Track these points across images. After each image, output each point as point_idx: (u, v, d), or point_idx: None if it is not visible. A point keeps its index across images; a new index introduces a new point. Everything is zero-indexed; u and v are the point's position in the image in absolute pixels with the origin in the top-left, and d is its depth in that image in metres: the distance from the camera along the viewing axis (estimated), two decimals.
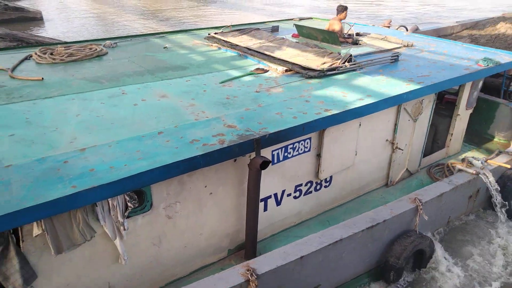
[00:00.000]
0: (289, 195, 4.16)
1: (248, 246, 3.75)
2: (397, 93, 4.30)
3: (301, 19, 8.78)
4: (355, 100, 4.06)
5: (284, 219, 4.24)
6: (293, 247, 3.48)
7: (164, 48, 6.25)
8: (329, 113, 3.73)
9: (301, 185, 4.21)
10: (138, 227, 3.16)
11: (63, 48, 5.61)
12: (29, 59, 5.43)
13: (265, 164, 3.30)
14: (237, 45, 6.05)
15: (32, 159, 2.85)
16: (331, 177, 4.43)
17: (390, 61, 5.41)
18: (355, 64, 5.04)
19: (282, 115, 3.68)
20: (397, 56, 5.48)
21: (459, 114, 5.57)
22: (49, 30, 17.98)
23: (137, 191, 2.99)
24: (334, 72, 4.85)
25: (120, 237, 3.01)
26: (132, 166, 2.78)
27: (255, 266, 3.15)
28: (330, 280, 3.86)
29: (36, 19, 20.09)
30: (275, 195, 4.02)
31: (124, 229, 2.98)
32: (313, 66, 4.85)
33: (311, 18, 9.06)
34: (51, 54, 5.47)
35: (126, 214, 2.95)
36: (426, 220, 4.26)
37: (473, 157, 5.18)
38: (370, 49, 5.97)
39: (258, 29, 6.87)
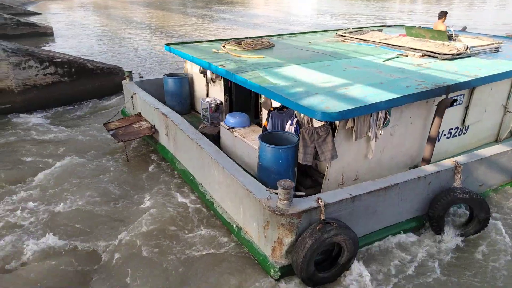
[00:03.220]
0: (444, 134, 6.37)
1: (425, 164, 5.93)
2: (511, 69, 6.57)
3: (392, 25, 11.28)
4: (487, 72, 6.31)
5: (436, 154, 6.41)
6: (352, 189, 4.70)
7: (309, 42, 8.67)
8: (477, 77, 5.98)
9: (452, 128, 6.43)
10: (379, 136, 5.38)
11: (250, 41, 8.05)
12: (218, 50, 7.74)
13: (452, 102, 5.54)
14: (366, 40, 8.47)
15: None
16: (468, 126, 6.66)
17: (493, 51, 7.74)
18: (472, 51, 7.36)
19: (445, 76, 5.90)
20: (499, 47, 7.81)
21: None
22: (60, 45, 19.30)
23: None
24: (460, 56, 7.17)
25: (375, 140, 5.24)
26: (382, 97, 4.99)
27: (327, 197, 4.49)
28: (377, 219, 5.03)
29: (46, 34, 21.95)
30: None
31: (380, 134, 5.21)
32: (445, 51, 7.18)
33: (396, 25, 11.55)
34: (240, 44, 7.89)
35: (382, 124, 5.19)
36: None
37: None
38: (472, 44, 8.31)
39: (374, 30, 9.32)
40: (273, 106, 5.89)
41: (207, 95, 8.08)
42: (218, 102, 7.59)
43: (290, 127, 5.50)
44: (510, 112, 7.20)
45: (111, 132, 7.23)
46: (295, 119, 5.46)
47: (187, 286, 4.54)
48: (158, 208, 5.90)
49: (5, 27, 20.66)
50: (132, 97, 8.02)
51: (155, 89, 8.49)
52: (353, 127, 4.98)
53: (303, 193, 4.43)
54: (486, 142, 7.23)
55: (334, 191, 4.75)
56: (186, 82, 8.41)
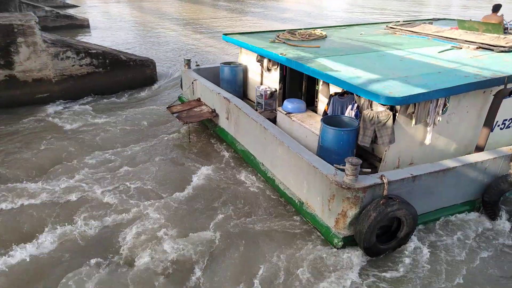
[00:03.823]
0: (498, 125, 6.58)
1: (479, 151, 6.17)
2: None
3: (441, 19, 11.38)
4: None
5: (489, 144, 6.61)
6: (413, 169, 5.08)
7: (360, 34, 9.00)
8: None
9: (506, 120, 6.63)
10: (437, 122, 5.68)
11: (304, 31, 8.49)
12: (275, 39, 8.23)
13: (510, 93, 5.77)
14: (417, 32, 8.70)
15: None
16: None
17: None
18: None
19: (503, 68, 6.10)
20: None
21: None
22: (95, 37, 19.94)
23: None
24: None
25: (433, 126, 5.57)
26: (442, 85, 5.30)
27: (388, 176, 4.84)
28: (436, 198, 5.39)
29: (83, 26, 22.69)
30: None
31: (438, 121, 5.54)
32: (502, 44, 7.34)
33: (445, 19, 11.63)
34: (296, 35, 8.34)
35: (441, 111, 5.51)
36: None
37: None
38: None
39: (425, 23, 9.51)
40: (334, 92, 6.31)
41: (261, 83, 8.59)
42: (273, 89, 8.07)
43: (350, 112, 5.91)
44: None
45: (175, 115, 7.87)
46: (355, 104, 5.86)
47: (252, 255, 5.08)
48: (222, 184, 6.49)
49: (45, 19, 21.49)
50: (192, 83, 8.64)
51: (211, 76, 9.06)
52: (413, 112, 5.34)
53: (368, 170, 4.85)
54: None
55: (396, 170, 5.14)
56: (241, 71, 8.94)
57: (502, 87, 5.82)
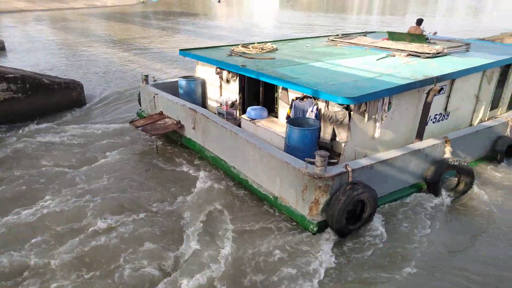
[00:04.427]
0: (431, 119, 7.77)
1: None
2: (482, 63, 8.12)
3: (369, 32, 12.88)
4: (463, 67, 7.80)
5: (425, 136, 7.79)
6: (370, 158, 6.07)
7: (306, 47, 9.98)
8: (456, 69, 7.45)
9: (437, 115, 7.85)
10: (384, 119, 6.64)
11: (257, 45, 9.25)
12: (231, 52, 8.91)
13: (440, 90, 6.93)
14: (356, 43, 9.90)
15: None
16: (449, 112, 8.11)
17: (464, 51, 9.34)
18: (448, 51, 8.91)
19: (431, 70, 7.32)
20: (469, 47, 9.44)
21: (508, 85, 9.48)
22: (13, 60, 18.38)
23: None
24: (438, 55, 8.68)
25: (381, 122, 6.51)
26: (386, 86, 6.30)
27: (351, 165, 5.71)
28: (390, 182, 6.41)
29: None
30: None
31: (385, 117, 6.49)
32: (427, 51, 8.67)
33: (375, 32, 13.16)
34: (250, 48, 9.07)
35: (387, 109, 6.47)
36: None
37: None
38: (445, 45, 9.91)
39: (360, 35, 10.79)
40: (295, 96, 7.07)
41: (221, 95, 9.15)
42: (233, 99, 8.68)
43: (311, 113, 6.69)
44: (480, 101, 8.76)
45: (140, 128, 8.14)
46: (315, 106, 6.66)
47: (238, 249, 5.57)
48: (196, 189, 6.91)
49: None
50: (154, 97, 8.96)
51: (170, 91, 9.44)
52: (365, 110, 6.24)
53: (335, 160, 5.61)
54: (462, 127, 8.74)
55: (356, 160, 5.97)
56: (199, 84, 9.44)
57: (432, 86, 6.99)
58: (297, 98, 6.95)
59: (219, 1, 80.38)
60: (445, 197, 6.63)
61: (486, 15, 50.38)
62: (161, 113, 8.88)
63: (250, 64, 7.72)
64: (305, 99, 6.86)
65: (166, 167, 7.82)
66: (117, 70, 16.92)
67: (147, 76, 9.65)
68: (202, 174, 7.45)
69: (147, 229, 5.88)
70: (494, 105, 9.36)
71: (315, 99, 6.68)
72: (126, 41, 25.71)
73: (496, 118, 8.94)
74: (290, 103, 7.08)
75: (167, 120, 8.53)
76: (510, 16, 45.88)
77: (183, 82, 9.30)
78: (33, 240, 5.60)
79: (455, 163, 6.54)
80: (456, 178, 6.88)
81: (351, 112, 6.26)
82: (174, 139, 8.77)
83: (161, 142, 8.84)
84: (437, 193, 6.63)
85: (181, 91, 9.38)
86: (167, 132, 8.33)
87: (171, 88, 9.70)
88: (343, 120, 6.21)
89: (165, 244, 5.61)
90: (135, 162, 7.95)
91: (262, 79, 7.07)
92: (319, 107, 6.67)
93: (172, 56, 19.85)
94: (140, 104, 10.06)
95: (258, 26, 37.13)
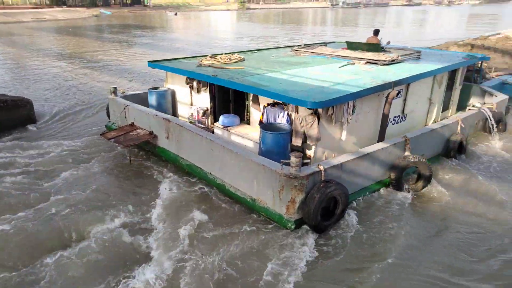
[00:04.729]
0: (390, 121, 8.44)
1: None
2: (432, 68, 8.94)
3: (328, 42, 13.64)
4: (416, 72, 8.57)
5: (386, 136, 8.44)
6: (340, 158, 6.54)
7: (272, 56, 10.47)
8: (411, 74, 8.17)
9: (395, 117, 8.54)
10: (349, 121, 7.17)
11: (225, 56, 9.60)
12: (200, 63, 9.20)
13: (397, 93, 7.58)
14: (318, 53, 10.53)
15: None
16: (406, 114, 8.83)
17: (416, 58, 10.21)
18: (402, 59, 9.71)
19: (388, 76, 8.01)
20: (420, 55, 10.31)
21: (456, 88, 10.44)
22: None
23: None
24: (394, 62, 9.44)
25: (347, 125, 7.03)
26: (351, 91, 6.86)
27: (323, 165, 6.16)
28: (358, 180, 6.94)
29: None
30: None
31: (350, 120, 7.02)
32: (383, 59, 9.41)
33: (334, 42, 13.95)
34: (218, 59, 9.40)
35: (352, 112, 7.00)
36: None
37: (473, 105, 10.02)
38: (399, 53, 10.76)
39: (321, 45, 11.45)
40: (267, 103, 7.45)
41: (191, 104, 9.39)
42: (205, 108, 8.95)
43: (282, 119, 7.10)
44: (433, 103, 9.60)
45: (112, 140, 8.19)
46: (285, 112, 7.08)
47: (221, 252, 5.81)
48: (175, 196, 7.08)
49: None
50: (124, 109, 9.03)
51: (139, 102, 9.55)
52: (332, 114, 6.74)
53: (308, 160, 6.02)
54: (418, 128, 9.52)
55: (327, 160, 6.42)
56: (169, 95, 9.64)
57: (391, 90, 7.64)
58: (268, 105, 7.35)
59: (175, 14, 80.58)
60: (407, 192, 7.23)
61: (430, 26, 54.04)
62: (132, 124, 8.96)
63: (221, 74, 8.05)
64: (276, 105, 7.27)
65: (140, 177, 7.90)
66: (71, 85, 16.41)
67: (115, 88, 9.71)
68: (177, 182, 7.61)
69: (120, 239, 5.99)
70: (445, 106, 10.26)
71: (285, 105, 7.11)
72: (80, 55, 25.12)
73: (447, 118, 9.81)
74: (262, 110, 7.46)
75: (139, 130, 8.64)
76: (451, 27, 49.58)
77: (153, 93, 9.45)
78: None
79: (415, 160, 7.17)
80: (416, 174, 7.51)
81: (320, 116, 6.74)
82: (147, 150, 8.88)
83: (133, 157, 8.91)
84: (400, 188, 7.22)
85: (151, 102, 9.53)
86: (140, 143, 8.44)
87: (141, 100, 9.82)
88: (312, 123, 6.67)
89: (139, 257, 5.75)
90: (107, 175, 7.97)
91: (235, 87, 7.41)
92: (290, 112, 7.10)
93: (130, 69, 19.72)
94: (108, 116, 10.07)
95: (217, 38, 37.56)
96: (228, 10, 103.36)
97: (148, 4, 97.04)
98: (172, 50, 27.56)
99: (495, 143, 9.79)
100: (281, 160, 6.02)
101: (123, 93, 9.99)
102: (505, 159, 8.98)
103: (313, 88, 7.01)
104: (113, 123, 9.67)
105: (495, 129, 10.12)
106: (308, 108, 6.54)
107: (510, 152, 9.33)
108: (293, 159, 5.76)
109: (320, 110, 6.67)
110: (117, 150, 8.99)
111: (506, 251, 5.90)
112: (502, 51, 20.07)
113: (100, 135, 8.65)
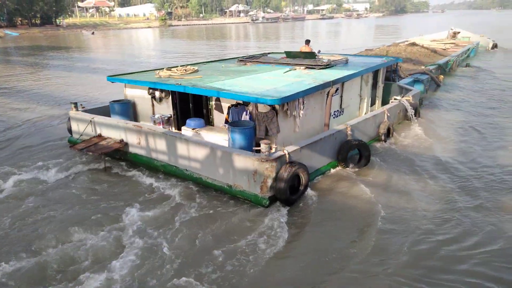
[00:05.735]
0: (331, 115, 10.15)
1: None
2: (359, 70, 10.90)
3: (271, 53, 15.36)
4: (348, 73, 10.43)
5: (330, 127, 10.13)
6: (298, 144, 7.94)
7: (222, 67, 11.79)
8: (344, 75, 9.98)
9: (335, 111, 10.28)
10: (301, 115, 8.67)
11: (180, 67, 10.69)
12: (159, 75, 10.22)
13: (336, 90, 9.30)
14: (263, 62, 12.10)
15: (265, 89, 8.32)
16: (343, 109, 10.63)
17: (345, 63, 12.20)
18: (334, 63, 11.60)
19: (326, 77, 9.74)
20: (347, 60, 12.33)
21: (379, 86, 12.60)
22: None
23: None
24: (328, 66, 11.27)
25: (299, 118, 8.53)
26: (300, 89, 8.41)
27: (287, 149, 7.51)
28: (313, 163, 8.32)
29: None
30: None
31: (301, 114, 8.52)
32: (319, 64, 11.20)
33: (273, 52, 15.71)
34: (175, 70, 10.46)
35: (302, 107, 8.51)
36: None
37: (394, 98, 12.19)
38: (331, 59, 12.70)
39: (263, 55, 13.07)
40: (231, 104, 8.69)
41: (153, 113, 10.30)
42: (168, 115, 9.92)
43: (245, 117, 8.39)
44: (363, 99, 11.59)
45: (84, 150, 8.81)
46: (248, 111, 8.38)
47: (210, 237, 6.89)
48: (154, 193, 7.98)
49: None
50: (90, 121, 9.66)
51: (101, 114, 10.23)
52: (287, 109, 8.19)
53: (275, 146, 7.37)
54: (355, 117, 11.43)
55: (289, 146, 7.83)
56: (130, 106, 10.45)
57: (330, 88, 9.34)
58: (232, 105, 8.61)
59: (93, 33, 78.15)
60: (352, 169, 8.91)
61: (345, 37, 59.56)
62: (100, 136, 9.63)
63: (184, 82, 9.15)
64: (238, 106, 8.55)
65: (116, 183, 8.59)
66: None
67: (76, 103, 10.28)
68: (154, 180, 8.51)
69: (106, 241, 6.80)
70: (372, 101, 12.35)
71: (246, 105, 8.42)
72: None
73: (375, 111, 11.86)
74: (227, 110, 8.70)
75: (108, 140, 9.35)
76: (364, 37, 55.18)
77: (115, 106, 10.20)
78: None
79: (356, 143, 8.90)
80: (358, 155, 9.24)
81: (277, 112, 8.15)
82: (117, 157, 9.58)
83: (108, 164, 9.55)
84: (347, 166, 8.88)
85: (113, 113, 10.25)
86: (110, 151, 9.15)
87: (102, 112, 10.49)
88: (272, 118, 8.06)
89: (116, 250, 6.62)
90: (84, 186, 8.59)
91: (203, 93, 8.56)
92: (251, 110, 8.42)
93: (44, 94, 19.23)
94: (70, 132, 10.55)
95: (141, 56, 37.43)
96: (149, 27, 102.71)
97: (61, 24, 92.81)
98: (91, 71, 26.89)
99: (415, 128, 12.06)
100: (253, 148, 7.28)
101: (83, 107, 10.56)
102: (422, 138, 11.24)
103: (268, 89, 8.42)
104: (79, 137, 10.17)
105: (414, 117, 12.43)
106: (268, 105, 7.93)
107: (426, 133, 11.63)
108: (263, 146, 7.08)
109: (277, 106, 8.08)
110: (89, 165, 9.49)
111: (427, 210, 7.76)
112: (408, 57, 23.46)
113: (70, 147, 9.19)
